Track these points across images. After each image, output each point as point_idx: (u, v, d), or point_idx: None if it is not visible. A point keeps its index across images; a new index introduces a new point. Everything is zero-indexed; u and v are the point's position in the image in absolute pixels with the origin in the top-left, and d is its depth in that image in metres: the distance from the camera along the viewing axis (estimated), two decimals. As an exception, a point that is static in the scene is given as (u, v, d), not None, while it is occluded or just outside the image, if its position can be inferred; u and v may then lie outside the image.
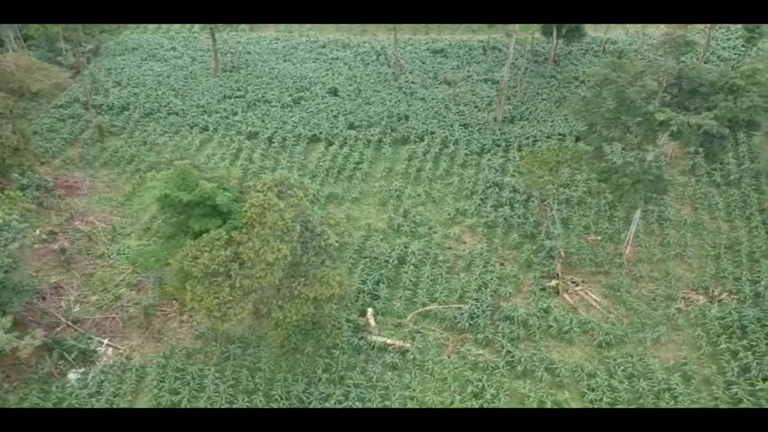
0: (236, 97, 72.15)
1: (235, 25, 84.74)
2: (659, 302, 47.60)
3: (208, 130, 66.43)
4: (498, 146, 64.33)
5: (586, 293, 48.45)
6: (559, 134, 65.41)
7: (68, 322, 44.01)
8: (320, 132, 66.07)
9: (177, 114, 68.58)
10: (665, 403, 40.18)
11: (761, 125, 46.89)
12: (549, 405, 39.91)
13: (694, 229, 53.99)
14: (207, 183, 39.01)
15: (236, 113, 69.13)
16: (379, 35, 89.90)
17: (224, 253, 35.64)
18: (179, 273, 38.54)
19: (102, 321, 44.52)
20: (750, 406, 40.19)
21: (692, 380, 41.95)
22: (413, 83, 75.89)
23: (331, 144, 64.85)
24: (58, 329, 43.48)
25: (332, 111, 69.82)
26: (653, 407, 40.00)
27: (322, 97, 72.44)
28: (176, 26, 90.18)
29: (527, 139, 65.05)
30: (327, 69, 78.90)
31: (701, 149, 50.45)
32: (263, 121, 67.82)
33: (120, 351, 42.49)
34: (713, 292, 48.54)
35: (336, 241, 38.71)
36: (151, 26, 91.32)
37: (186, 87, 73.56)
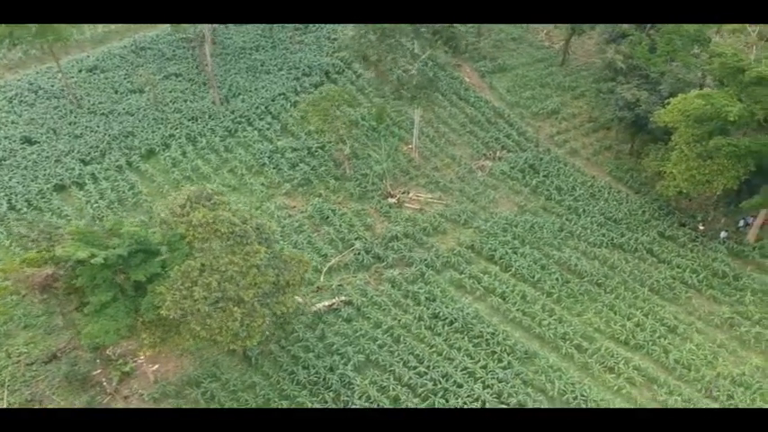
0: None
1: None
2: (468, 178, 57.72)
3: None
4: (240, 123, 65.91)
5: (418, 196, 55.94)
6: (281, 94, 69.73)
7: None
8: (60, 180, 58.92)
9: None
10: (539, 236, 50.88)
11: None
12: (483, 277, 47.27)
13: (439, 120, 64.94)
14: (129, 227, 35.25)
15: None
16: (8, 76, 79.74)
17: (214, 278, 33.69)
18: (149, 325, 35.35)
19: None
20: (588, 206, 53.36)
21: (537, 213, 53.49)
22: (101, 103, 70.75)
23: (83, 186, 58.57)
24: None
25: (47, 157, 62.06)
26: (538, 254, 50.37)
27: (21, 150, 63.39)
28: None
29: (257, 108, 67.89)
30: (-8, 124, 68.43)
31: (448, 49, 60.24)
32: (-16, 197, 57.47)
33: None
34: (491, 154, 60.46)
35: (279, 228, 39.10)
36: None
37: None
